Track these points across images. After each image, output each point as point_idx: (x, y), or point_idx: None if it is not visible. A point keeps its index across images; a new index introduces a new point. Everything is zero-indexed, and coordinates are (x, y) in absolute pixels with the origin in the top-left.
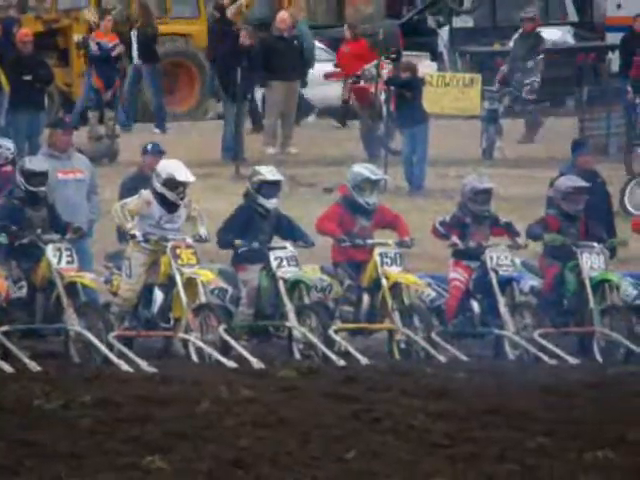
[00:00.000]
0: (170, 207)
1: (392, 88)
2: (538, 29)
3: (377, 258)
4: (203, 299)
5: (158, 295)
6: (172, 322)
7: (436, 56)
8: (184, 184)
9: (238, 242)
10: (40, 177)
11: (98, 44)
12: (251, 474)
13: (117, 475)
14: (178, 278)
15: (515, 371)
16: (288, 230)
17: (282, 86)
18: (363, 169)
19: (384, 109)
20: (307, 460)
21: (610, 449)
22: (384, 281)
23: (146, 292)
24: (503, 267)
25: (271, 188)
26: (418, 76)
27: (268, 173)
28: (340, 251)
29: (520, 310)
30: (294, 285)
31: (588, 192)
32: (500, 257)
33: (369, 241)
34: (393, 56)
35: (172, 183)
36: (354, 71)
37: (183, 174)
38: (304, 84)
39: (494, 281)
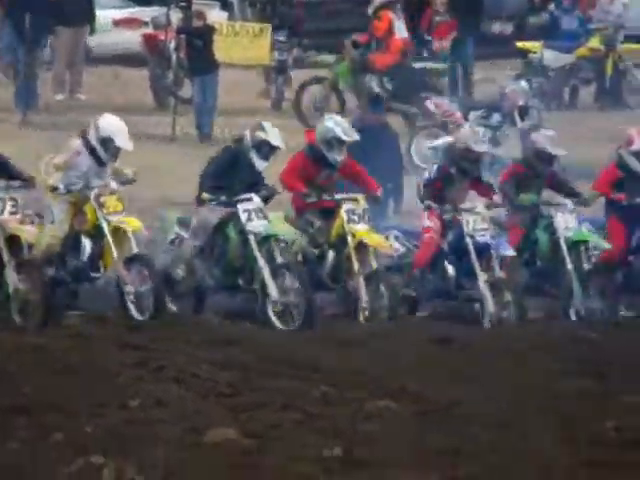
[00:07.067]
0: (100, 161)
1: (182, 36)
2: None
3: (344, 215)
4: (135, 250)
5: (86, 244)
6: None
7: (227, 5)
8: (120, 150)
9: (205, 196)
10: None
11: None
12: (34, 420)
13: None
14: (105, 227)
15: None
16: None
17: (69, 32)
18: (335, 126)
19: (173, 57)
20: (91, 408)
21: (391, 399)
22: (350, 239)
23: (73, 241)
24: (480, 232)
25: (269, 151)
26: (209, 24)
27: (273, 135)
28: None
29: (499, 287)
30: (265, 240)
31: None
32: (477, 221)
33: (337, 196)
34: (183, 4)
35: (109, 145)
36: None
37: (122, 140)
38: (92, 31)
39: (470, 247)
